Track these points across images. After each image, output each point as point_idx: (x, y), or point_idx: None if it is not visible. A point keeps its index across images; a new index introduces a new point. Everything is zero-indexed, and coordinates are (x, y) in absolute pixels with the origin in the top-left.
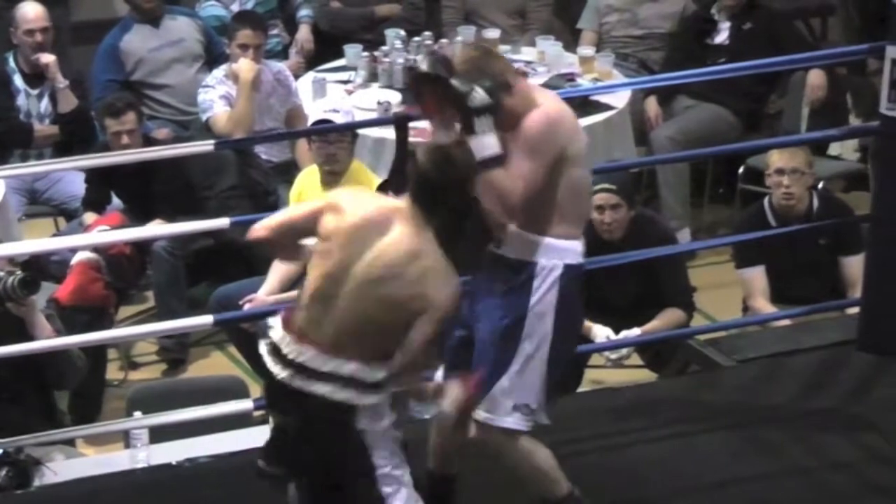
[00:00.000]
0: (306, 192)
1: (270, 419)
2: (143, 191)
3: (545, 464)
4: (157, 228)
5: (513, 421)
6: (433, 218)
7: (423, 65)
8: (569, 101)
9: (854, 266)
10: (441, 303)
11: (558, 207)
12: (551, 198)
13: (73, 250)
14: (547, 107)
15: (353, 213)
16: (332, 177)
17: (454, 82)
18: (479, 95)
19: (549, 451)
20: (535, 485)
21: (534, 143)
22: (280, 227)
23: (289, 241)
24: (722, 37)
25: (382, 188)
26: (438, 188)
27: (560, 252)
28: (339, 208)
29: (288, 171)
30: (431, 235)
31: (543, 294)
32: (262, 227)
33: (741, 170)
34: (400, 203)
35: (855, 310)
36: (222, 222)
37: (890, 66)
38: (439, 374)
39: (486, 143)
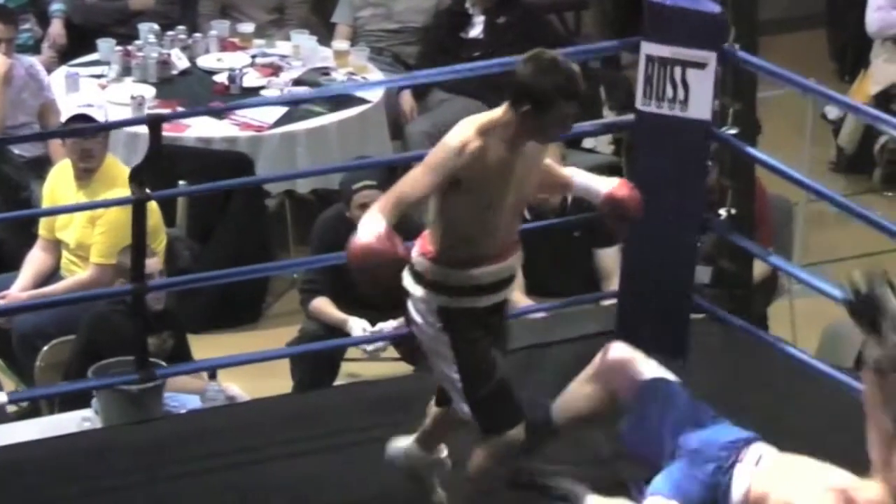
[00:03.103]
0: (59, 187)
1: None
2: None
3: None
4: None
5: None
6: (510, 112)
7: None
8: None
9: (608, 258)
10: (440, 146)
11: None
12: None
13: None
14: None
15: None
16: (87, 172)
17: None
18: None
19: None
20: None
21: None
22: None
23: None
24: (476, 31)
25: (134, 176)
26: (521, 83)
27: None
28: None
29: (41, 166)
30: (491, 128)
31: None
32: None
33: None
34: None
35: (611, 301)
36: None
37: (644, 61)
38: None
39: None
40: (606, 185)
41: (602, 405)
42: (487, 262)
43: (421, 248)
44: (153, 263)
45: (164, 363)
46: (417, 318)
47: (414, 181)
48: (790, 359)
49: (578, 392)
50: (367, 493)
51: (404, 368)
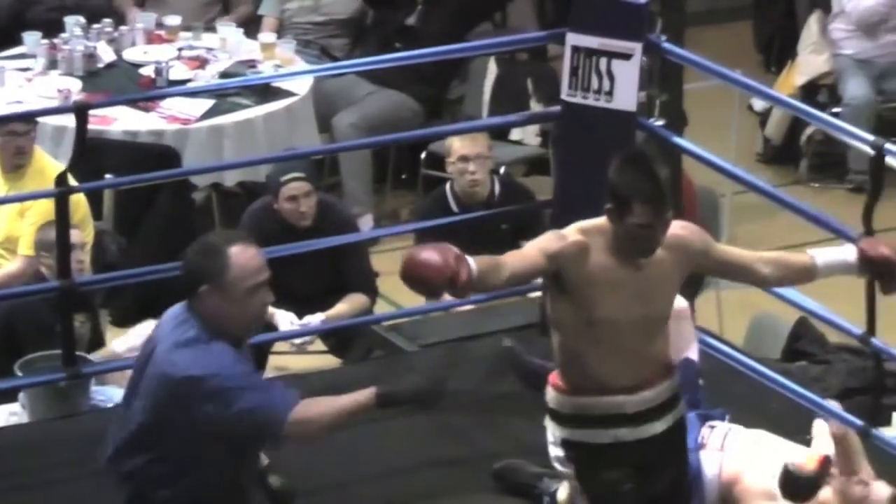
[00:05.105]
0: None
1: None
2: None
3: None
4: None
5: None
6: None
7: None
8: (249, 88)
9: None
10: (545, 234)
11: None
12: None
13: None
14: None
15: None
16: (17, 168)
17: None
18: None
19: None
20: None
21: None
22: None
23: None
24: (413, 20)
25: (62, 179)
26: (607, 179)
27: None
28: None
29: None
30: (593, 231)
31: None
32: None
33: (423, 155)
34: None
35: (537, 294)
36: None
37: (570, 52)
38: None
39: None
40: (853, 252)
41: None
42: (613, 391)
43: (552, 380)
44: (75, 235)
45: (89, 356)
46: (550, 449)
47: (517, 252)
48: (714, 351)
49: None
50: (294, 486)
51: (332, 361)
